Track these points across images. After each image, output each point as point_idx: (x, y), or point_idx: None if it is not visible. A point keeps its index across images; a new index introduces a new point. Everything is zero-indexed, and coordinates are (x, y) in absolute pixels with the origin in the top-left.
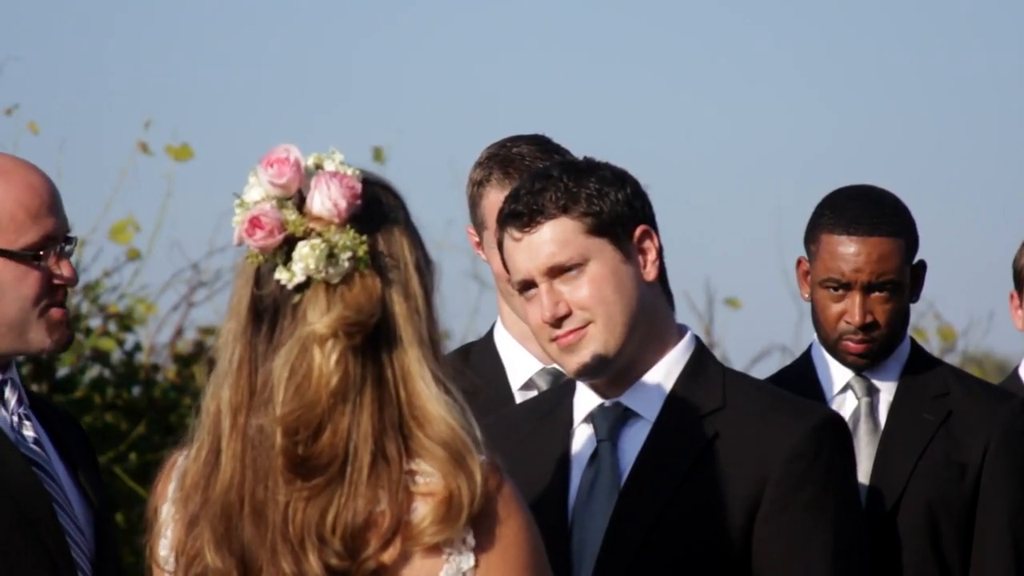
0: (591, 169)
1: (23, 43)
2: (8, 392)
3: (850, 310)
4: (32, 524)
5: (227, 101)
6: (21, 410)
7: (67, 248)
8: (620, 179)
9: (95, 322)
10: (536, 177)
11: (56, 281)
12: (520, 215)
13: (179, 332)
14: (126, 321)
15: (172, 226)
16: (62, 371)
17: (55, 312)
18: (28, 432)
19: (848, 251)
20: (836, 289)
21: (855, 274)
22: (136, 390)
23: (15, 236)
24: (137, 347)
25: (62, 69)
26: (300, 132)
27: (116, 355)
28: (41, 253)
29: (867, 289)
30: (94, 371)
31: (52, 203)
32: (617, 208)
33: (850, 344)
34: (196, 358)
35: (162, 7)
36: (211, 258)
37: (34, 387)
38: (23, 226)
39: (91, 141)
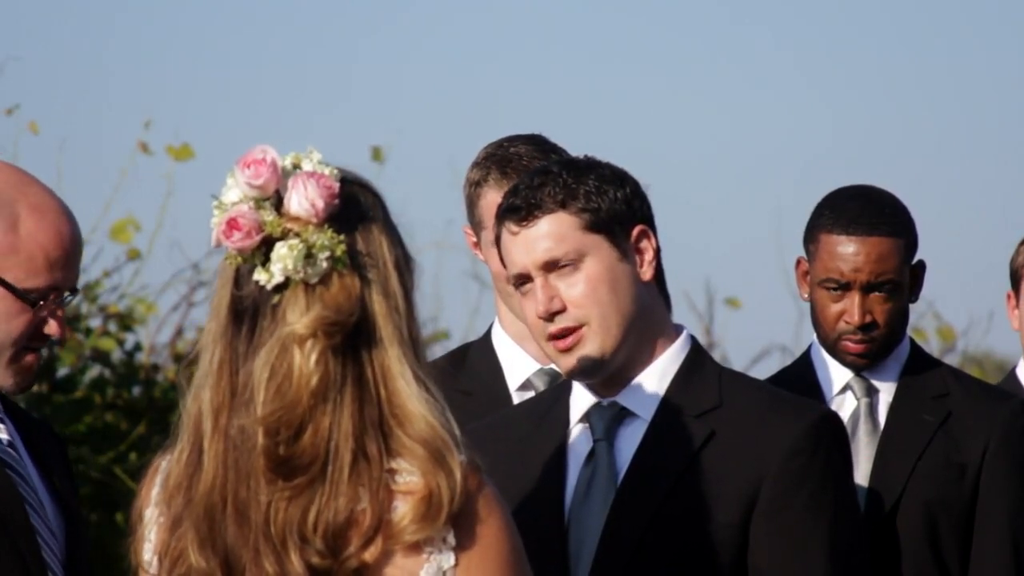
0: (591, 167)
1: (23, 43)
2: None
3: (849, 310)
4: (3, 525)
5: (227, 101)
6: None
7: (67, 298)
8: (620, 178)
9: (95, 322)
10: (536, 173)
11: (45, 331)
12: (518, 209)
13: (179, 332)
14: (126, 321)
15: (172, 226)
16: (62, 371)
17: (30, 357)
18: (1, 435)
19: (847, 251)
20: (835, 289)
21: (854, 274)
22: (136, 390)
23: (24, 275)
24: (137, 347)
25: (62, 69)
26: (300, 132)
27: (116, 355)
28: (42, 303)
29: (866, 289)
30: (94, 371)
31: (71, 256)
32: (616, 206)
33: (849, 344)
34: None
35: (162, 7)
36: (211, 258)
37: (34, 387)
38: (36, 270)
39: (91, 141)
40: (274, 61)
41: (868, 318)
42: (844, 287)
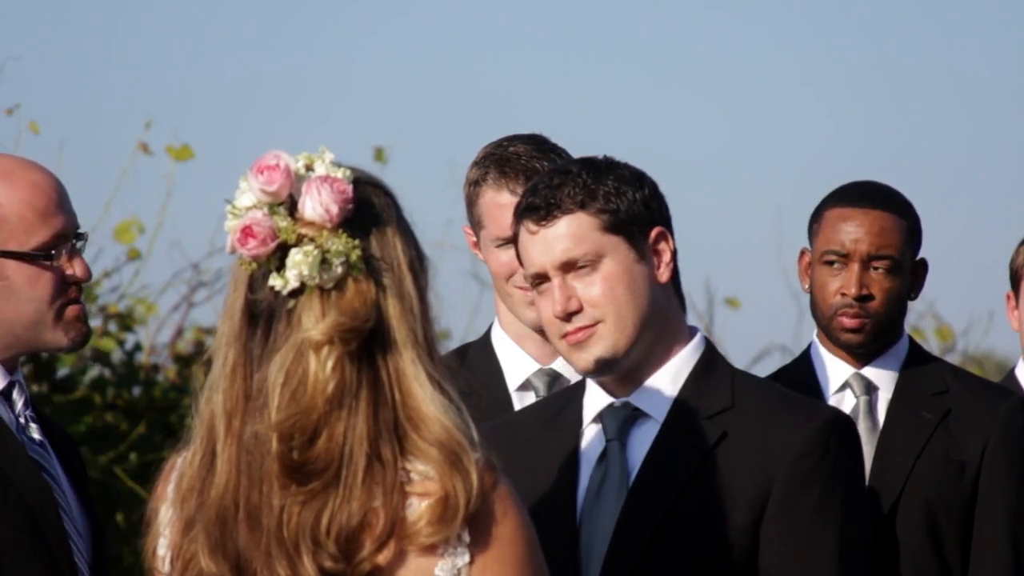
0: (610, 167)
1: (23, 43)
2: (16, 394)
3: (847, 283)
4: (39, 527)
5: (227, 101)
6: (28, 412)
7: (79, 244)
8: (638, 179)
9: (95, 322)
10: (555, 172)
11: (70, 279)
12: (537, 208)
13: (179, 332)
14: (126, 321)
15: (172, 226)
16: (62, 371)
17: (71, 310)
18: (34, 435)
19: (850, 222)
20: (835, 263)
21: (855, 244)
22: (136, 390)
23: (25, 237)
24: (137, 347)
25: (62, 69)
26: (300, 132)
27: (116, 355)
28: (53, 252)
29: (866, 263)
30: (94, 371)
31: (59, 201)
32: (634, 208)
33: (844, 320)
34: (196, 358)
35: (162, 7)
36: (211, 258)
37: (34, 387)
38: (32, 226)
39: (91, 141)
40: (274, 61)
41: (865, 291)
42: (844, 258)
